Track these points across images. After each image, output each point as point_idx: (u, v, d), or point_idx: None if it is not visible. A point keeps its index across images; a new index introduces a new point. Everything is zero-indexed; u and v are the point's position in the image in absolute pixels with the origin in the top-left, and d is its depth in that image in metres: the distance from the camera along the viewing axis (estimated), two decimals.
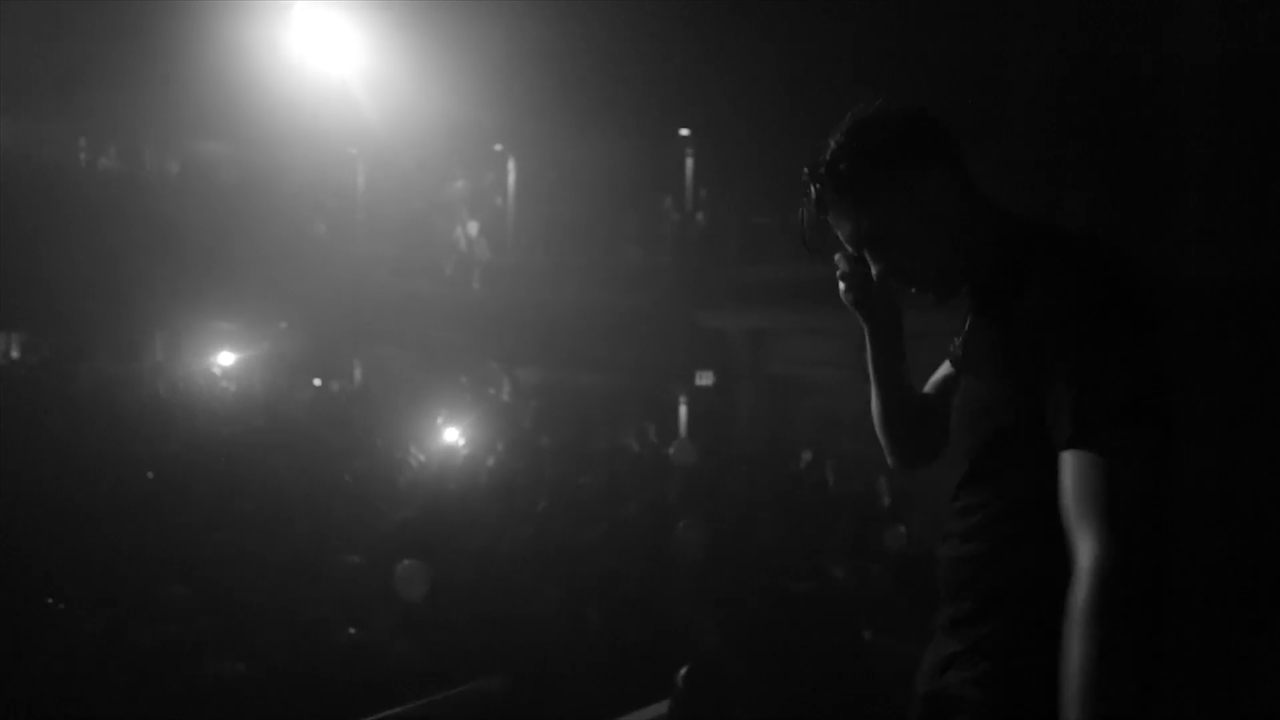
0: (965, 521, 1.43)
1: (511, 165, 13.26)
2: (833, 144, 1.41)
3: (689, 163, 12.17)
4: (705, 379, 11.10)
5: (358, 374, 13.76)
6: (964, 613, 1.42)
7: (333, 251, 12.51)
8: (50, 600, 4.64)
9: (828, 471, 8.94)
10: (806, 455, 9.23)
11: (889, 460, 1.72)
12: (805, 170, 1.42)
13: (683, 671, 4.07)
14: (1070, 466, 1.24)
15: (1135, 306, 1.27)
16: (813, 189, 1.42)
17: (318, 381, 12.65)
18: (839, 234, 1.44)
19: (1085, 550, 1.20)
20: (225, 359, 13.16)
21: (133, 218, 12.69)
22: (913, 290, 1.46)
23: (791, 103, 10.29)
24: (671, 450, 8.39)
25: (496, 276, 12.74)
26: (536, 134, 12.08)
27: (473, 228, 12.95)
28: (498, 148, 13.29)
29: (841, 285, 1.55)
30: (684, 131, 12.05)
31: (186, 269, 12.08)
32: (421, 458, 8.99)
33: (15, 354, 15.81)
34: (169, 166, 14.33)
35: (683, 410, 11.10)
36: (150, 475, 7.35)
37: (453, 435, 9.25)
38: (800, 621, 4.35)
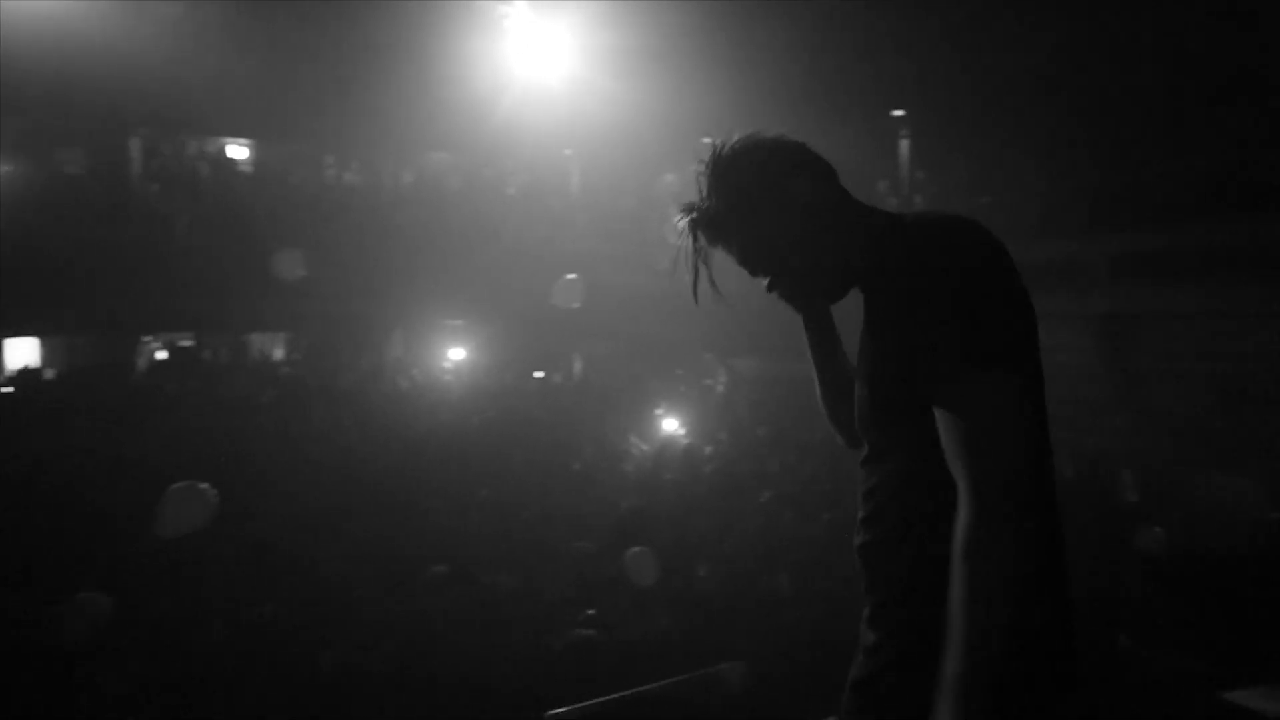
0: (865, 507, 1.49)
1: None
2: (701, 187, 1.54)
3: (903, 144, 11.74)
4: None
5: (577, 367, 14.30)
6: (876, 601, 1.47)
7: (553, 250, 13.04)
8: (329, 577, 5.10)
9: (1066, 466, 8.42)
10: None
11: (839, 440, 1.75)
12: (680, 221, 1.55)
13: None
14: (940, 423, 1.32)
15: (971, 270, 1.34)
16: (692, 236, 1.54)
17: (540, 374, 13.24)
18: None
19: (960, 494, 1.28)
20: (456, 354, 14.02)
21: (372, 226, 13.79)
22: (803, 297, 1.57)
23: (1013, 77, 9.76)
24: None
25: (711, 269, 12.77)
26: (745, 123, 12.06)
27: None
28: (706, 140, 13.37)
29: (774, 292, 1.60)
30: (897, 112, 11.65)
31: (420, 271, 12.97)
32: (644, 447, 9.22)
33: (279, 353, 17.63)
34: (403, 178, 15.44)
35: None
36: (397, 463, 7.94)
37: (672, 426, 9.42)
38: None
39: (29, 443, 7.83)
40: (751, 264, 1.55)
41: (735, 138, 1.55)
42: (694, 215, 1.54)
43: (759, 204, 1.50)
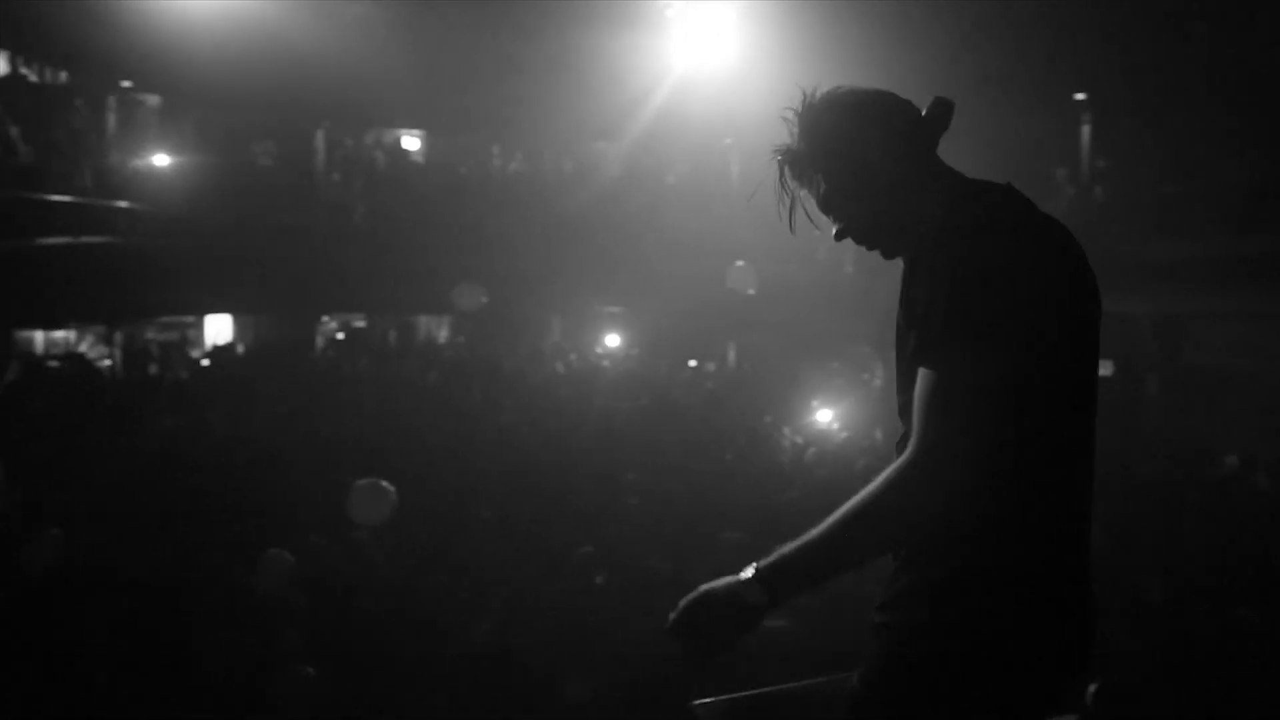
0: None
1: None
2: (790, 130, 1.59)
3: (1085, 130, 11.01)
4: (1103, 369, 9.97)
5: (732, 356, 14.24)
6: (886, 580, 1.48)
7: (712, 239, 13.01)
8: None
9: (1259, 477, 7.72)
10: (1232, 460, 8.01)
11: None
12: (774, 158, 1.60)
13: (1092, 689, 3.72)
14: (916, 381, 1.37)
15: (984, 244, 1.36)
16: (780, 173, 1.60)
17: (693, 363, 13.27)
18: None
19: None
20: (612, 340, 14.23)
21: (534, 214, 14.15)
22: (865, 247, 1.58)
23: (1209, 56, 8.98)
24: None
25: (869, 259, 12.40)
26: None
27: None
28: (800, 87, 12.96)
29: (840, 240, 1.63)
30: (1079, 96, 10.93)
31: (579, 258, 13.22)
32: (797, 439, 9.08)
33: (444, 335, 18.43)
34: (565, 166, 15.77)
35: None
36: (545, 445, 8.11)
37: (826, 419, 9.24)
38: (1246, 655, 3.76)
39: (225, 413, 8.45)
40: (824, 208, 1.60)
41: (827, 88, 1.59)
42: (784, 155, 1.61)
43: (830, 154, 1.55)
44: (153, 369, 11.38)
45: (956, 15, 9.74)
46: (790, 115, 1.58)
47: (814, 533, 1.40)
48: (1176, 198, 9.70)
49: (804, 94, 1.58)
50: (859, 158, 1.53)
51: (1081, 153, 11.08)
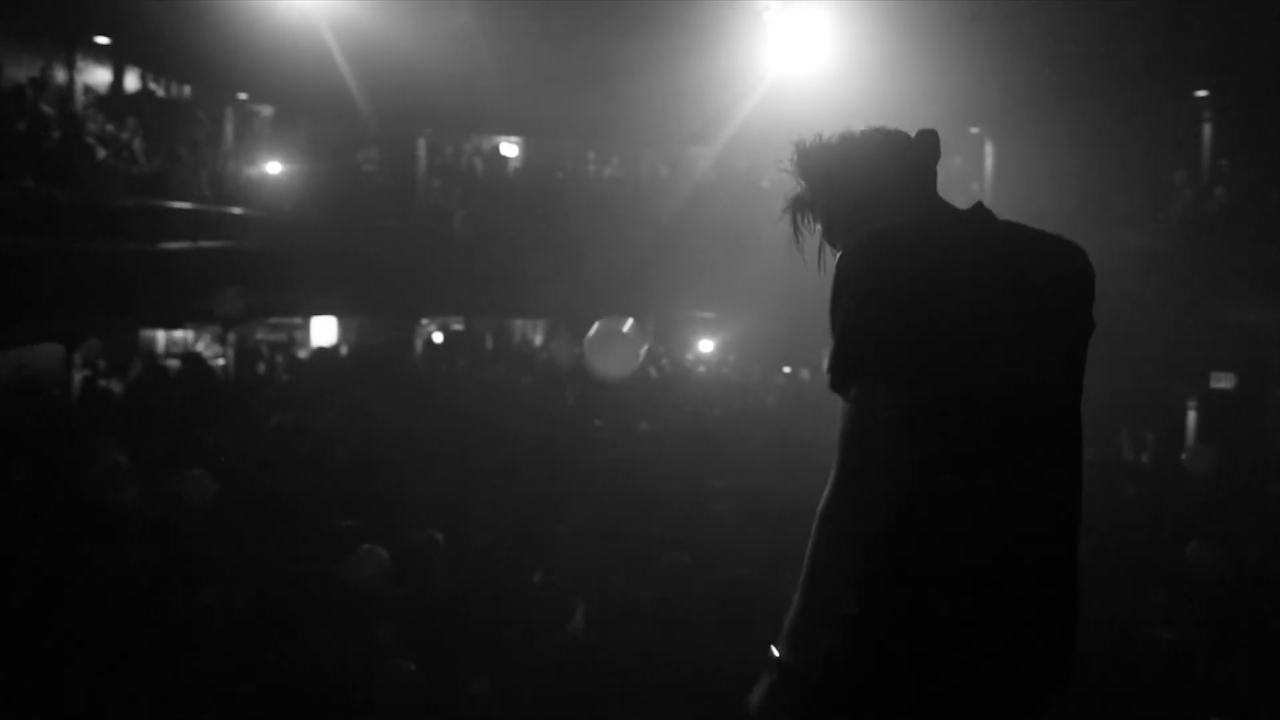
0: None
1: (989, 148, 12.51)
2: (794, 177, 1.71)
3: (1206, 129, 10.44)
4: (1224, 381, 9.46)
5: (826, 364, 14.00)
6: None
7: (809, 244, 12.82)
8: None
9: None
10: None
11: None
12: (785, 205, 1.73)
13: None
14: None
15: (866, 279, 1.41)
16: (791, 215, 1.72)
17: (788, 369, 13.10)
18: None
19: None
20: (705, 346, 14.18)
21: (629, 218, 14.21)
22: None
23: None
24: (1184, 456, 7.26)
25: None
26: (1019, 111, 11.26)
27: None
28: (974, 130, 12.65)
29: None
30: (1200, 93, 10.38)
31: (673, 263, 13.21)
32: None
33: (538, 339, 18.68)
34: (660, 171, 15.80)
35: (1191, 417, 9.60)
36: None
37: None
38: None
39: (322, 413, 8.73)
40: (829, 242, 1.70)
41: (825, 134, 1.69)
42: (791, 203, 1.72)
43: (820, 195, 1.67)
44: (261, 368, 11.84)
45: (1065, 12, 9.38)
46: (788, 166, 1.70)
47: (798, 591, 1.44)
48: None
49: (798, 144, 1.69)
50: (844, 200, 1.62)
51: (1202, 153, 10.52)
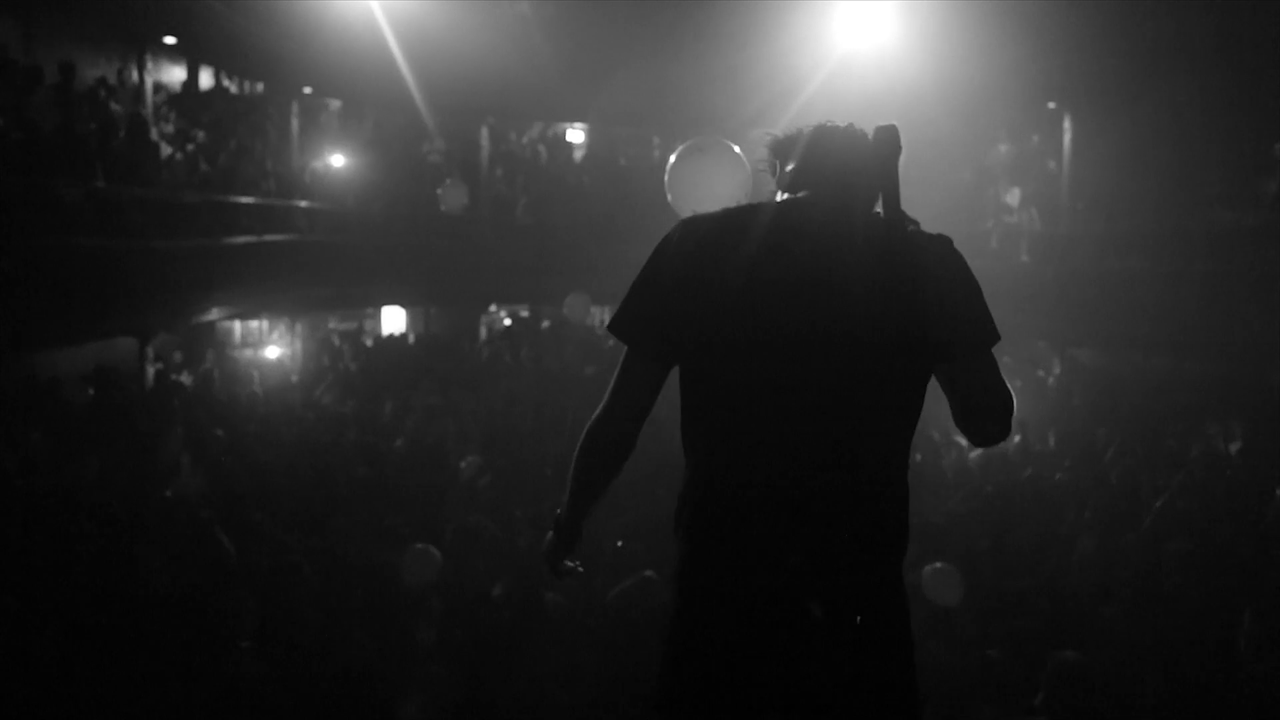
0: None
1: (1068, 123, 11.95)
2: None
3: None
4: None
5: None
6: None
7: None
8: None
9: None
10: None
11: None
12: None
13: None
14: None
15: (655, 255, 1.69)
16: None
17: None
18: None
19: None
20: None
21: None
22: None
23: None
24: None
25: (1048, 247, 11.62)
26: (1100, 83, 10.72)
27: (1014, 195, 11.97)
28: (1051, 105, 12.08)
29: None
30: None
31: None
32: (963, 443, 8.54)
33: (601, 322, 18.63)
34: None
35: None
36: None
37: None
38: None
39: (383, 403, 8.79)
40: None
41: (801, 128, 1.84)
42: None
43: (778, 179, 1.84)
44: (325, 359, 12.03)
45: None
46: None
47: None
48: None
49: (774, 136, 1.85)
50: (782, 180, 1.81)
51: None
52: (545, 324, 16.59)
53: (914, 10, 11.33)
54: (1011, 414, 1.64)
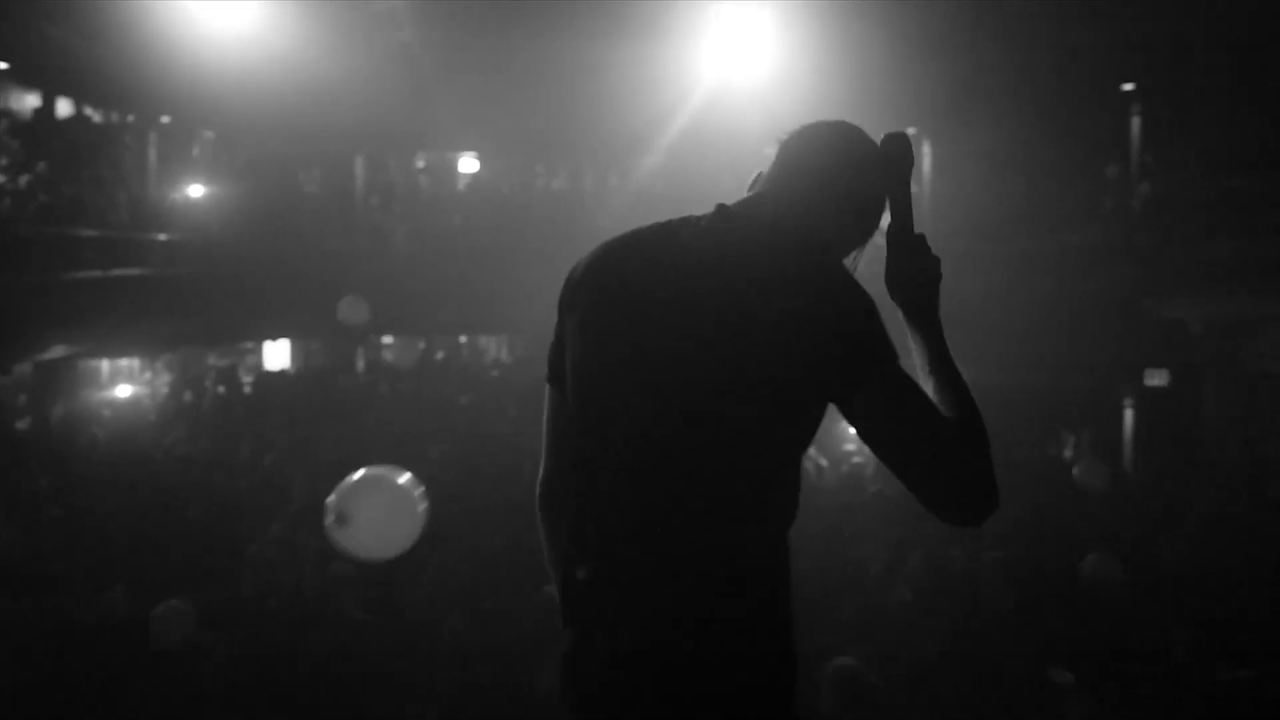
0: None
1: (927, 148, 12.33)
2: None
3: (1135, 122, 10.24)
4: (1157, 378, 9.25)
5: None
6: None
7: None
8: None
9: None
10: None
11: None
12: None
13: None
14: None
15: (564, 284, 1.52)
16: None
17: None
18: None
19: None
20: None
21: (577, 231, 14.02)
22: None
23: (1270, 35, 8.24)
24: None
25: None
26: (954, 111, 11.09)
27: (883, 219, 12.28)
28: (911, 131, 12.45)
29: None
30: (1127, 87, 10.19)
31: None
32: (822, 462, 8.65)
33: (506, 356, 18.50)
34: (609, 181, 15.62)
35: (1128, 415, 9.38)
36: None
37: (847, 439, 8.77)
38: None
39: (225, 440, 8.49)
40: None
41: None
42: None
43: None
44: (187, 396, 11.62)
45: (994, 8, 9.21)
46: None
47: None
48: (1233, 193, 8.91)
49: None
50: None
51: (1131, 147, 10.32)
52: (439, 355, 16.43)
53: (781, 39, 11.59)
54: (957, 482, 1.32)
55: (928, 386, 1.40)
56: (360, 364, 14.68)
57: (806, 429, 1.37)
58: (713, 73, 12.49)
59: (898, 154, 1.48)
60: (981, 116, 10.47)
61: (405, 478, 3.09)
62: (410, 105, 12.92)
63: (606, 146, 14.86)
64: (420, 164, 16.07)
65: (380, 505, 3.00)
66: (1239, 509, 7.01)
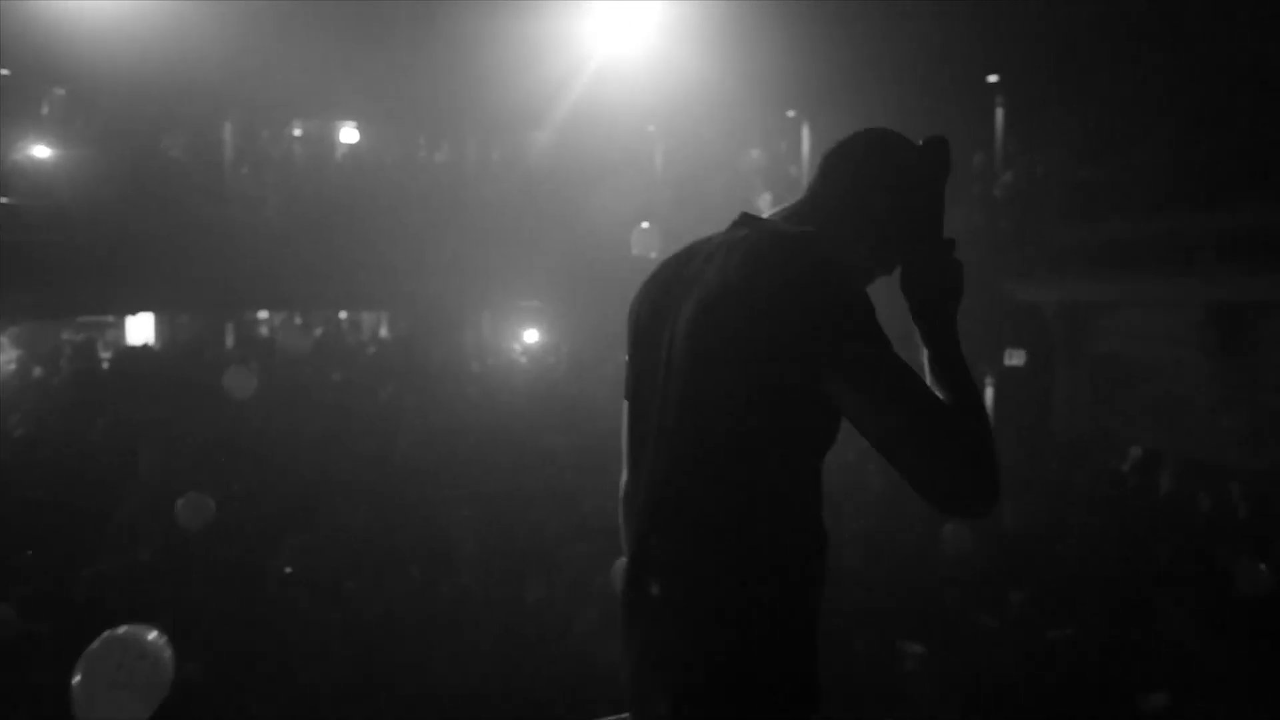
0: None
1: (806, 131, 12.57)
2: None
3: (999, 114, 10.68)
4: (1015, 359, 9.71)
5: None
6: None
7: (633, 229, 12.65)
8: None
9: (1162, 474, 7.46)
10: (1136, 452, 7.75)
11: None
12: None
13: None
14: None
15: None
16: None
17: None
18: None
19: None
20: (530, 336, 13.86)
21: (461, 204, 13.77)
22: None
23: (1121, 34, 8.70)
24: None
25: None
26: (831, 97, 11.33)
27: (765, 200, 12.48)
28: (790, 114, 12.67)
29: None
30: (992, 78, 10.62)
31: (502, 250, 12.86)
32: None
33: (385, 332, 18.05)
34: (492, 155, 15.38)
35: (988, 395, 9.82)
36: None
37: None
38: (1057, 675, 3.47)
39: (87, 417, 8.06)
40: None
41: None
42: None
43: None
44: (37, 372, 10.94)
45: None
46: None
47: None
48: (1086, 183, 9.41)
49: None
50: None
51: (995, 138, 10.77)
52: (317, 331, 15.89)
53: (665, 17, 11.60)
54: (947, 469, 1.24)
55: (933, 386, 1.37)
56: (230, 340, 14.09)
57: (806, 427, 1.32)
58: (598, 49, 12.43)
59: (935, 157, 1.47)
60: (857, 103, 10.73)
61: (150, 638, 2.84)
62: (284, 70, 12.38)
63: (491, 120, 14.61)
64: (297, 132, 15.47)
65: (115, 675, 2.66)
66: (1080, 480, 7.44)
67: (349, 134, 16.06)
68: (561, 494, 6.31)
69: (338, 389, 10.55)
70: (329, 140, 15.91)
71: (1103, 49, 9.04)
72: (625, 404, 1.51)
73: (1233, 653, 4.07)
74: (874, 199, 1.46)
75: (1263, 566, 5.34)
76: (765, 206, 13.11)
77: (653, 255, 10.60)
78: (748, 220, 1.47)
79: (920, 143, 1.46)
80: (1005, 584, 4.97)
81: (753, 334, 1.27)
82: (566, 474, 6.90)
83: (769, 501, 1.31)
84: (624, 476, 1.54)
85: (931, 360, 1.41)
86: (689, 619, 1.32)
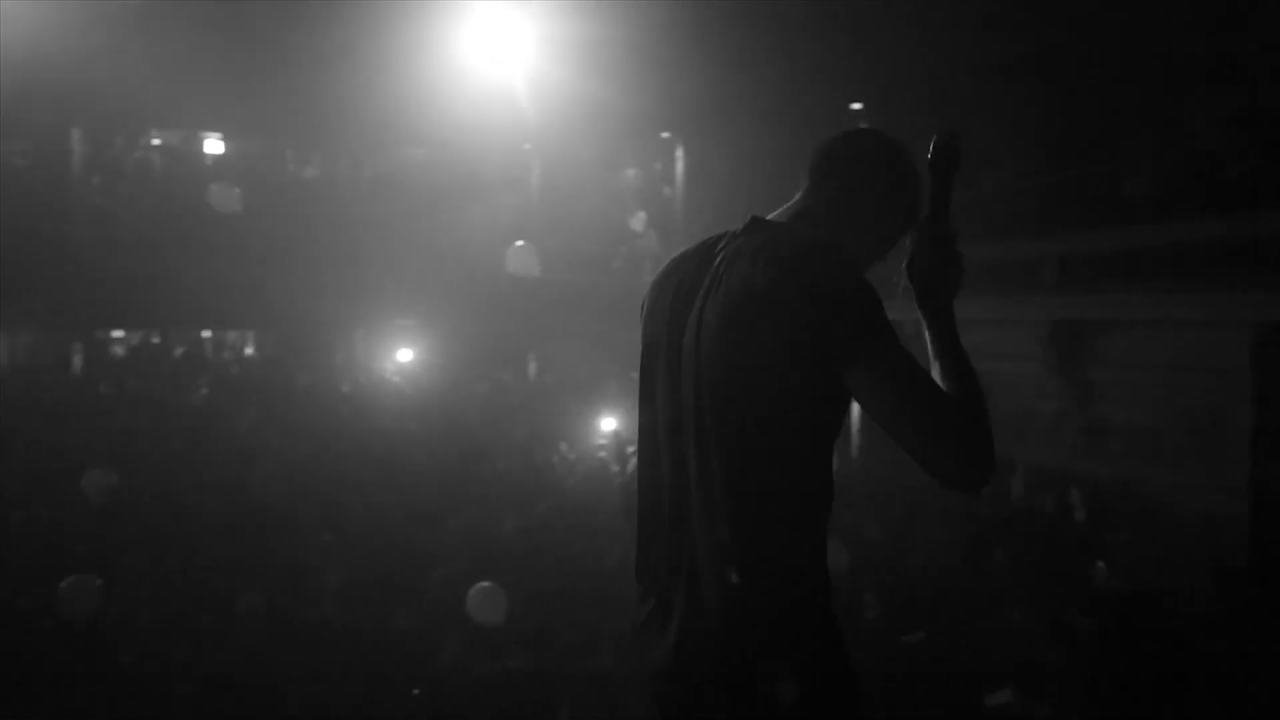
0: None
1: (680, 153, 12.80)
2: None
3: None
4: None
5: (532, 369, 13.82)
6: None
7: (509, 246, 12.58)
8: None
9: (1013, 480, 7.88)
10: None
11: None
12: None
13: None
14: None
15: None
16: None
17: (506, 376, 12.74)
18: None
19: None
20: (404, 355, 13.60)
21: (332, 222, 13.38)
22: None
23: (980, 68, 9.22)
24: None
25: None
26: (703, 119, 11.59)
27: (639, 219, 12.64)
28: (665, 135, 12.88)
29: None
30: (856, 106, 11.09)
31: (376, 268, 12.57)
32: (571, 457, 8.75)
33: (250, 350, 17.37)
34: (365, 172, 15.05)
35: (854, 410, 10.14)
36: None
37: (612, 430, 8.91)
38: (906, 676, 3.60)
39: None
40: None
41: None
42: None
43: None
44: None
45: (751, 16, 9.66)
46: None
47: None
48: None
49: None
50: None
51: None
52: (178, 351, 15.15)
53: (543, 34, 11.62)
54: (949, 442, 1.36)
55: (934, 369, 1.47)
56: (78, 361, 13.28)
57: (829, 419, 1.43)
58: (474, 66, 12.33)
59: (946, 149, 1.51)
60: (728, 126, 11.01)
61: None
62: (139, 75, 11.79)
63: (363, 135, 14.28)
64: (155, 142, 14.75)
65: None
66: (937, 494, 7.77)
67: (214, 145, 15.42)
68: (428, 514, 6.19)
69: (201, 409, 10.09)
70: (192, 151, 15.23)
71: (962, 82, 9.54)
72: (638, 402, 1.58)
73: (1073, 650, 4.31)
74: (869, 200, 1.57)
75: (1100, 564, 5.70)
76: (639, 225, 13.33)
77: (535, 273, 10.59)
78: (761, 225, 1.53)
79: (932, 140, 1.51)
80: (862, 591, 5.14)
81: (785, 338, 1.37)
82: (434, 493, 6.77)
83: (807, 486, 1.44)
84: (635, 462, 1.62)
85: (933, 345, 1.52)
86: (759, 602, 1.40)
